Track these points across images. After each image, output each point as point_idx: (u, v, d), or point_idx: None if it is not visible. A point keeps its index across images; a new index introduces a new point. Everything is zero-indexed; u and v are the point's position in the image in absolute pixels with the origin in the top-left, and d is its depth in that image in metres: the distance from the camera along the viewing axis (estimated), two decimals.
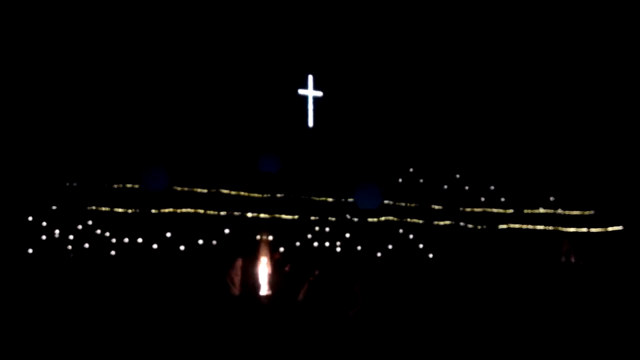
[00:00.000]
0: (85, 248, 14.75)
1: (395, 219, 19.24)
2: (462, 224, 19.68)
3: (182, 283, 11.01)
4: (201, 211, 17.44)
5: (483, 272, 12.39)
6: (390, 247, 16.24)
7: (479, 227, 19.87)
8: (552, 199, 20.97)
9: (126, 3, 20.89)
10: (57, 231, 14.99)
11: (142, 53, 21.06)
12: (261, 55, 22.04)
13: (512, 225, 20.14)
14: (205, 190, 18.52)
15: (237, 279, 10.83)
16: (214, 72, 21.77)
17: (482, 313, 9.78)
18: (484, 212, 20.59)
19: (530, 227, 20.31)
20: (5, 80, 19.41)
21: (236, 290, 10.83)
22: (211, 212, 17.54)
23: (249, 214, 17.70)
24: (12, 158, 17.53)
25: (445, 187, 21.12)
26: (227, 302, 10.36)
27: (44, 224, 14.98)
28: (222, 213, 17.63)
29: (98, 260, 13.04)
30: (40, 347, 8.17)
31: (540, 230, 20.21)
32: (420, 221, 19.62)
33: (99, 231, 15.28)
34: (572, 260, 15.38)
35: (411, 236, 16.81)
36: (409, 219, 19.39)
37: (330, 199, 19.44)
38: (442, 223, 19.67)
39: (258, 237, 14.96)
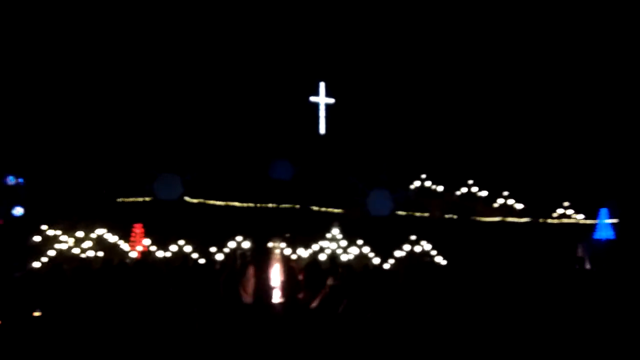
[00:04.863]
0: (98, 256, 14.87)
1: (408, 224, 19.18)
2: (473, 228, 19.55)
3: (195, 291, 11.05)
4: (214, 218, 17.49)
5: (495, 278, 12.33)
6: (402, 252, 16.17)
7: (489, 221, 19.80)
8: (566, 203, 20.83)
9: (147, 19, 21.21)
10: (71, 240, 15.12)
11: (154, 63, 21.32)
12: (273, 64, 22.16)
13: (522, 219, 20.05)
14: (217, 197, 18.61)
15: (249, 286, 10.84)
16: (226, 81, 21.93)
17: (492, 317, 9.72)
18: (494, 217, 20.52)
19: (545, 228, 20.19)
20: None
21: (249, 298, 10.84)
22: (224, 219, 17.59)
23: (262, 221, 17.73)
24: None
25: (458, 192, 21.04)
26: (239, 310, 10.37)
27: (58, 232, 15.12)
28: (235, 219, 17.68)
29: (112, 267, 13.13)
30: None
31: (554, 235, 20.08)
32: (433, 226, 19.55)
33: (113, 239, 15.40)
34: (587, 266, 15.25)
35: (424, 242, 16.73)
36: (422, 224, 19.33)
37: (341, 205, 19.47)
38: (453, 228, 19.58)
39: (271, 244, 14.95)
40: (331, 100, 22.17)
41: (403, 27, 23.30)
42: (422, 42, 23.17)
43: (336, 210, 19.04)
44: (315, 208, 18.75)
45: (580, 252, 15.71)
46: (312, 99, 22.02)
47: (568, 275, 13.49)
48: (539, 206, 20.71)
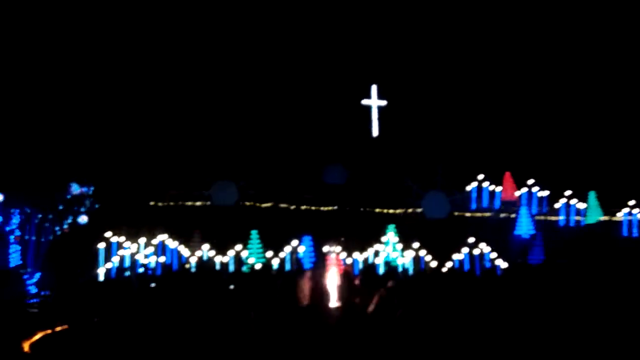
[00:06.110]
0: (159, 262, 15.24)
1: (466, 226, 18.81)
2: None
3: (251, 295, 11.16)
4: (268, 223, 17.60)
5: (561, 280, 11.94)
6: (459, 256, 15.85)
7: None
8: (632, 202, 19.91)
9: (205, 27, 21.81)
10: (134, 246, 15.55)
11: (210, 72, 21.87)
12: (325, 68, 22.25)
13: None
14: (271, 204, 18.79)
15: (306, 290, 10.88)
16: (279, 86, 22.17)
17: (558, 321, 9.41)
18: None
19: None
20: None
21: (305, 302, 10.87)
22: (278, 224, 17.68)
23: (317, 226, 17.71)
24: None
25: (517, 193, 20.45)
26: (296, 314, 10.40)
27: (122, 239, 15.58)
28: (290, 224, 17.75)
29: (172, 273, 13.48)
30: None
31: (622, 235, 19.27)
32: (492, 228, 19.10)
33: (172, 245, 15.76)
34: None
35: (482, 245, 16.33)
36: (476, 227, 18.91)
37: (396, 208, 19.29)
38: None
39: (326, 248, 14.96)
40: (383, 103, 22.04)
41: (454, 28, 22.95)
42: (473, 44, 22.78)
43: (392, 210, 18.93)
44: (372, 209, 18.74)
45: None
46: (364, 101, 21.95)
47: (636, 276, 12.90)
48: (605, 205, 19.92)
